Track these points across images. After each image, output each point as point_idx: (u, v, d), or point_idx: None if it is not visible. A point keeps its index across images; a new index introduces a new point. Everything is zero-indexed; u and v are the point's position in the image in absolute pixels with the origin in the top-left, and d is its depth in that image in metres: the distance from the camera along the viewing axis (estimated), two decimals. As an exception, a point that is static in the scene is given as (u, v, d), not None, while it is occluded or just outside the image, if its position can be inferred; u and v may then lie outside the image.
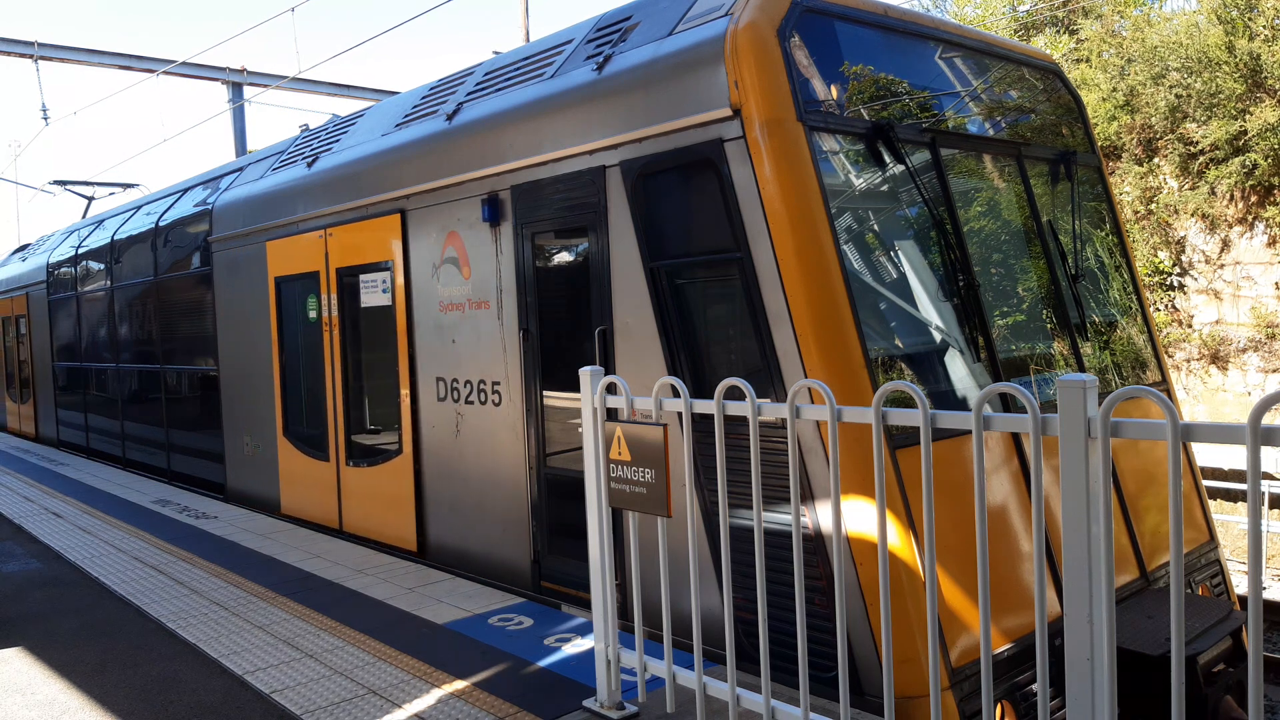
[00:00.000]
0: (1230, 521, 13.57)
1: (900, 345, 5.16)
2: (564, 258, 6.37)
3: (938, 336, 5.36)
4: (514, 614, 5.99)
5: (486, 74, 7.39)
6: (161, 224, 12.08)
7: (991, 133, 6.31)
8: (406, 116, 8.00)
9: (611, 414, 4.74)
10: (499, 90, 6.93)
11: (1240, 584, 11.05)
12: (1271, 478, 13.52)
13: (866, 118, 5.32)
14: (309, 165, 9.03)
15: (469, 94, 7.31)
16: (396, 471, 7.83)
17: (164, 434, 12.41)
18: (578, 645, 5.37)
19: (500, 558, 6.85)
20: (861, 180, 5.30)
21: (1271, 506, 13.35)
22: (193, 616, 6.19)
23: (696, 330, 5.39)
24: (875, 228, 5.38)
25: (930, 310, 5.38)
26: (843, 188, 5.15)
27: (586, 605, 6.09)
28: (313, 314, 8.85)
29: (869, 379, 4.70)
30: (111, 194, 21.66)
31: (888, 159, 5.32)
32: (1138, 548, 5.92)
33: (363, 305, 8.16)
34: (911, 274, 5.39)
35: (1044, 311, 6.15)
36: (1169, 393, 7.02)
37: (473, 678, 4.94)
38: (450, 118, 7.20)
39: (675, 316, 5.42)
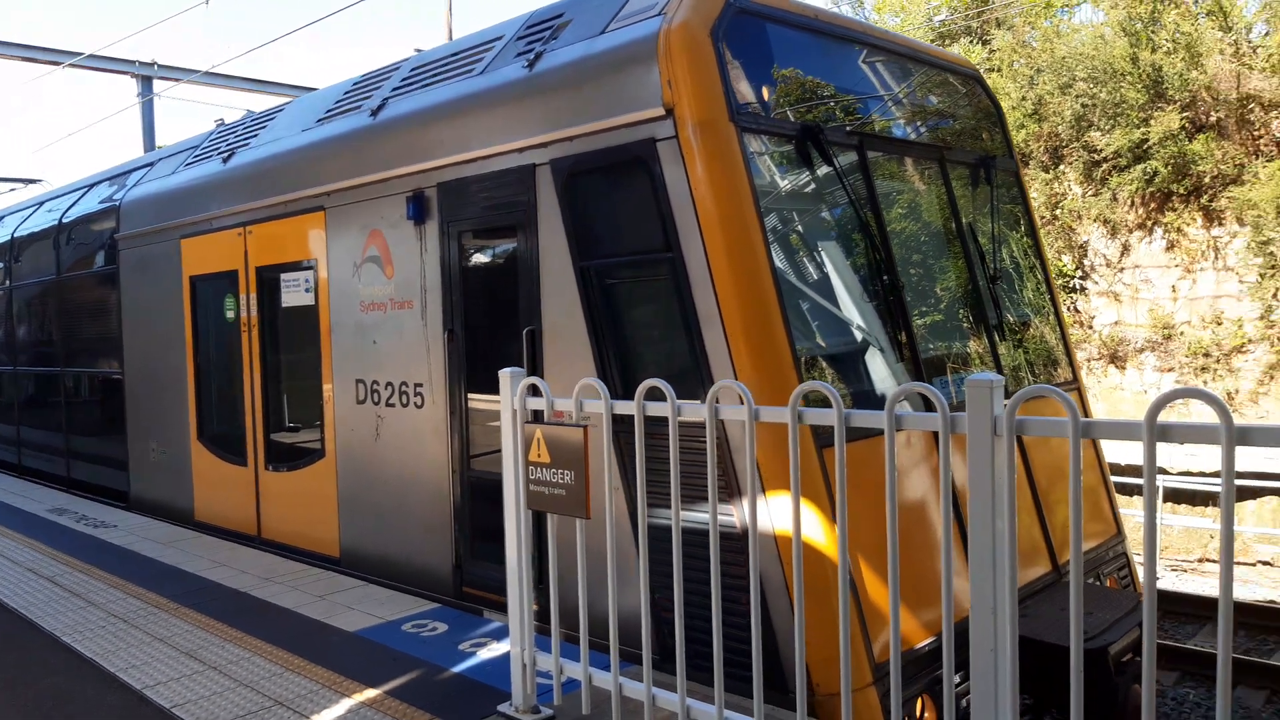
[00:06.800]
0: (1132, 515, 14.16)
1: (826, 345, 5.23)
2: (492, 257, 6.29)
3: (861, 336, 5.45)
4: (429, 619, 5.88)
5: (413, 69, 7.25)
6: (65, 221, 11.55)
7: (915, 136, 6.45)
8: (329, 112, 7.81)
9: (537, 416, 4.69)
10: (426, 86, 6.81)
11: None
12: (1166, 472, 14.15)
13: (795, 120, 5.38)
14: (225, 160, 8.74)
15: (394, 89, 7.17)
16: (318, 476, 7.63)
17: (63, 440, 11.86)
18: (494, 650, 5.30)
19: (422, 563, 6.73)
20: (790, 182, 5.36)
21: (1166, 500, 13.98)
22: (90, 629, 5.92)
23: (627, 331, 5.37)
24: (803, 229, 5.44)
25: (855, 310, 5.47)
26: (772, 189, 5.20)
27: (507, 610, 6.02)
28: (230, 314, 8.57)
29: (798, 379, 4.75)
30: (12, 189, 20.61)
31: (816, 161, 5.40)
32: (1050, 541, 6.11)
33: (283, 305, 7.93)
34: (838, 274, 5.48)
35: (962, 311, 6.32)
36: (1080, 390, 7.27)
37: (384, 686, 4.84)
38: (375, 113, 7.05)
39: (605, 317, 5.39)
